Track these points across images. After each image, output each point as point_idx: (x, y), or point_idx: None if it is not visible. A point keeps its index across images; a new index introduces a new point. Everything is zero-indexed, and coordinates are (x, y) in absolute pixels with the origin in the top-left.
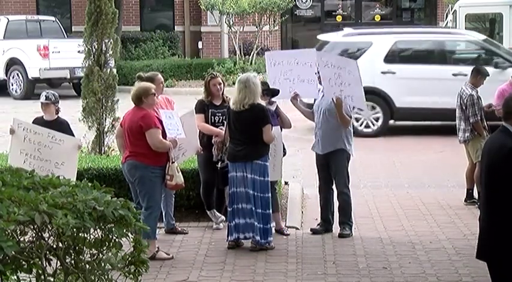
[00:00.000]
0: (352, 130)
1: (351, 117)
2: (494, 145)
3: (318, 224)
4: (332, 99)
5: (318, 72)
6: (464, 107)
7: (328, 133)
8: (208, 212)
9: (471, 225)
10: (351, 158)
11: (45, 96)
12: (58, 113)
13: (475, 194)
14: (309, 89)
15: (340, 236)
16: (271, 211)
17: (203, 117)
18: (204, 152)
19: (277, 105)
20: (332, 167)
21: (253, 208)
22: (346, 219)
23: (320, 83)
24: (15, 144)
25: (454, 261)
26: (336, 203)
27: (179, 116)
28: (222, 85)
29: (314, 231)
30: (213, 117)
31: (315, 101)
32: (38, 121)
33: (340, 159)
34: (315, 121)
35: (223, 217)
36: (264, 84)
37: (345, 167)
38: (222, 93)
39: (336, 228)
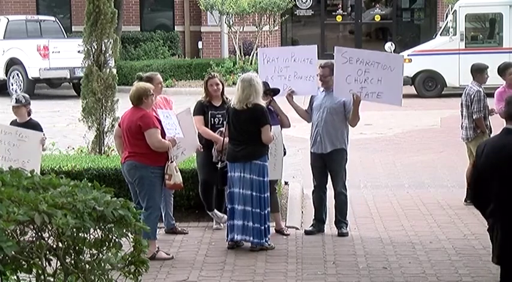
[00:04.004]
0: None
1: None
2: (498, 144)
3: (311, 225)
4: (353, 96)
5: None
6: (469, 103)
7: (331, 132)
8: (209, 213)
9: (471, 225)
10: (348, 158)
11: (16, 99)
12: (30, 114)
13: None
14: (307, 86)
15: (341, 235)
16: (269, 211)
17: (203, 120)
18: (204, 151)
19: (277, 105)
20: (332, 167)
21: (251, 209)
22: (343, 219)
23: (325, 81)
24: None
25: (454, 261)
26: (329, 202)
27: (175, 114)
28: (221, 86)
29: (307, 232)
30: (212, 118)
31: (311, 99)
32: (13, 124)
33: (341, 159)
34: (314, 120)
35: (225, 216)
36: (265, 84)
37: (344, 167)
38: (222, 94)
39: (329, 228)
